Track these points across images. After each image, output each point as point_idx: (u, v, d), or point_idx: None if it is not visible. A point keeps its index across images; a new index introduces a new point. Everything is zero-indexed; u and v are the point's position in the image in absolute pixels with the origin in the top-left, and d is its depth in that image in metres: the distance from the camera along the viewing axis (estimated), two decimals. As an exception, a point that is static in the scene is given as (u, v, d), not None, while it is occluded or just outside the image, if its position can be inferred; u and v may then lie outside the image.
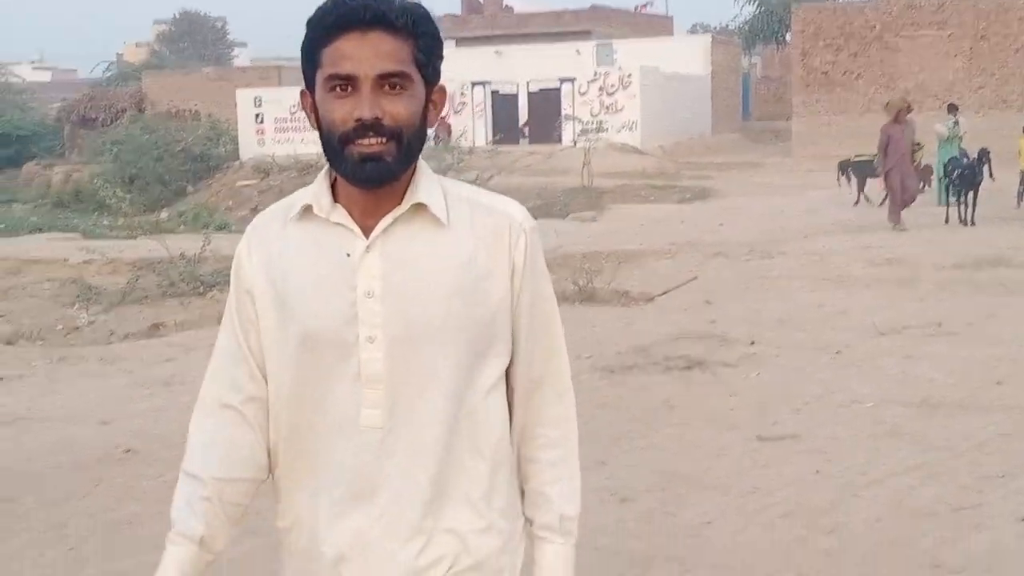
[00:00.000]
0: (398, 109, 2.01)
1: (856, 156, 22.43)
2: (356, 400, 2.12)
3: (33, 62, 78.05)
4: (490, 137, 37.33)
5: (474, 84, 40.91)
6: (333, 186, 2.11)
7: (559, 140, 37.61)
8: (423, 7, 2.05)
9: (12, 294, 15.49)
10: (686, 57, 44.04)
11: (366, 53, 1.99)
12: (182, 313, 13.10)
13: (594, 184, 28.54)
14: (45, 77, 70.54)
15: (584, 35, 47.32)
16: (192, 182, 34.66)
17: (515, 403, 2.26)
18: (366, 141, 1.99)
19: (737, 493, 5.91)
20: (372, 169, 2.01)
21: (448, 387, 2.13)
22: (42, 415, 8.17)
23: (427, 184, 2.10)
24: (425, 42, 2.05)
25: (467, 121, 39.37)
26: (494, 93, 41.26)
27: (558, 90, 40.24)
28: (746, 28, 54.45)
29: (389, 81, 2.00)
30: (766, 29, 53.38)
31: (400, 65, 2.01)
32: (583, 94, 39.71)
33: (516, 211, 2.19)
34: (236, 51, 69.61)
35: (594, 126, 34.23)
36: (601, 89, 39.53)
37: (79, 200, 31.70)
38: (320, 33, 2.03)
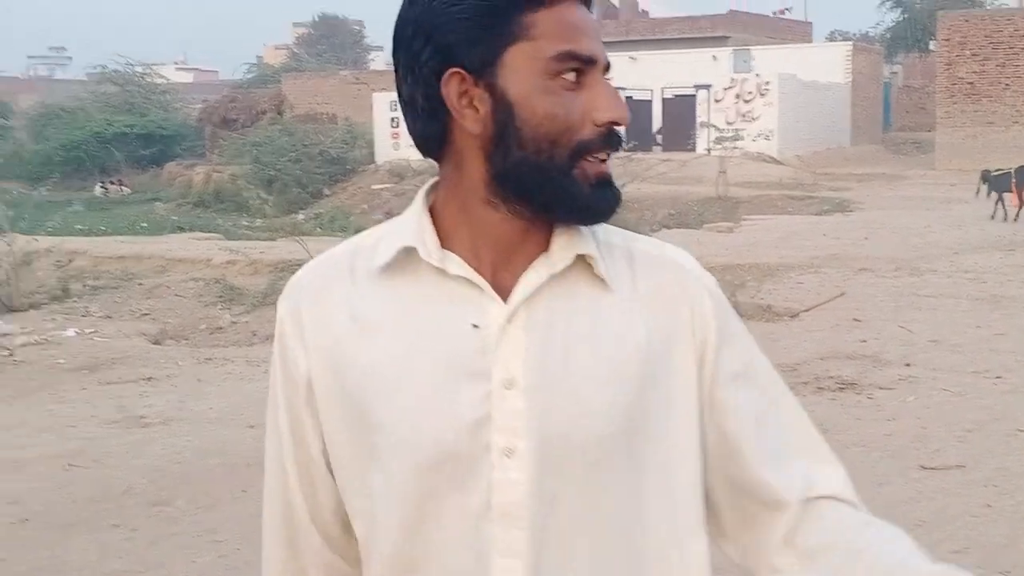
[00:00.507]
0: (624, 113, 1.39)
1: (996, 170, 22.04)
2: (483, 545, 1.39)
3: (176, 63, 79.86)
4: (624, 144, 37.40)
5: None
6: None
7: (693, 148, 36.80)
8: None
9: (157, 292, 15.74)
10: (825, 65, 43.15)
11: (595, 31, 1.38)
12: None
13: (729, 194, 28.09)
14: (188, 78, 72.21)
15: (721, 41, 46.85)
16: (328, 185, 35.15)
17: (737, 526, 1.54)
18: (602, 155, 1.38)
19: (903, 526, 5.87)
20: (612, 199, 1.40)
21: (624, 524, 1.45)
22: (191, 417, 8.35)
23: (579, 228, 1.42)
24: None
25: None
26: (628, 99, 40.91)
27: (693, 97, 39.87)
28: (888, 35, 53.48)
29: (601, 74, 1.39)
30: (909, 37, 52.22)
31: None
32: (719, 101, 39.28)
33: (688, 261, 1.54)
34: (373, 55, 70.30)
35: (730, 134, 33.72)
36: (738, 96, 39.08)
37: (219, 200, 32.41)
38: None
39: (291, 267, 15.00)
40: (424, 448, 1.36)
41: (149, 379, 9.88)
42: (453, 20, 1.34)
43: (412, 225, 1.41)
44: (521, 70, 1.33)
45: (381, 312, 1.40)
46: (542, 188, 1.35)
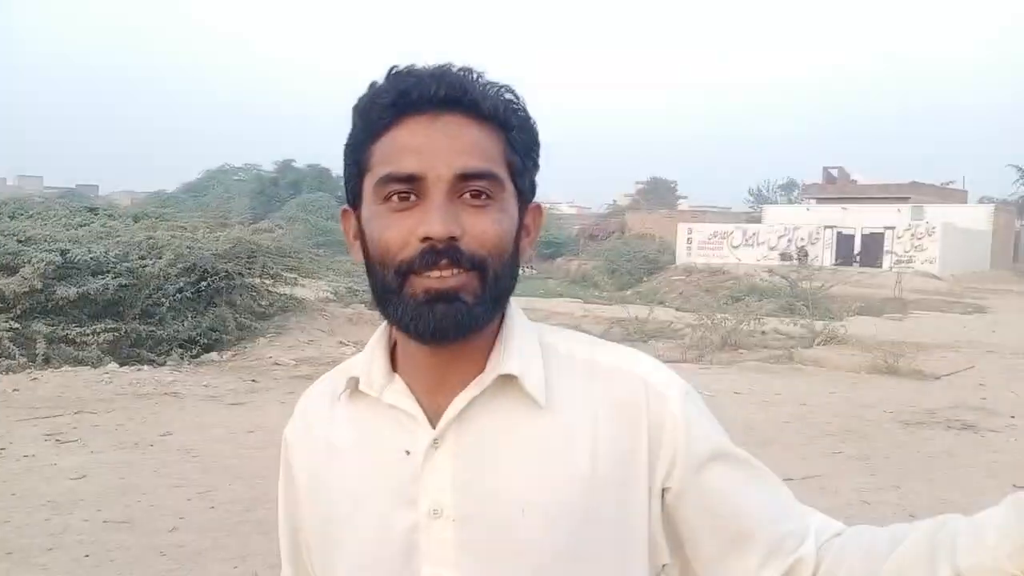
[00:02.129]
0: (484, 226, 0.82)
1: None
2: None
3: (568, 201, 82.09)
4: (833, 261, 35.96)
5: (826, 227, 38.87)
6: (393, 350, 0.92)
7: (880, 265, 35.02)
8: (514, 91, 0.87)
9: None
10: (975, 218, 39.53)
11: (439, 144, 0.82)
12: (633, 351, 13.32)
13: (902, 296, 26.29)
14: (573, 211, 74.03)
15: (904, 200, 43.46)
16: (647, 275, 35.05)
17: None
18: (436, 273, 0.81)
19: None
20: (444, 314, 0.82)
21: None
22: None
23: (521, 343, 0.89)
24: (521, 138, 0.87)
25: (820, 250, 37.68)
26: (838, 233, 38.91)
27: (882, 233, 37.33)
28: (1021, 200, 48.65)
29: (471, 187, 0.82)
30: (1036, 202, 47.37)
31: (488, 163, 0.83)
32: (899, 238, 36.60)
33: (651, 369, 0.91)
34: (680, 200, 69.51)
35: (906, 258, 32.41)
36: (912, 235, 36.25)
37: (584, 281, 32.83)
38: (371, 121, 0.85)
39: (619, 321, 15.16)
40: (367, 571, 0.89)
41: None
42: (344, 161, 0.89)
43: (366, 355, 0.93)
44: (367, 199, 0.85)
45: (345, 436, 0.92)
46: (386, 309, 0.85)
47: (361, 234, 0.87)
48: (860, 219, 38.74)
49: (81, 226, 12.24)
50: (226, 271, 11.37)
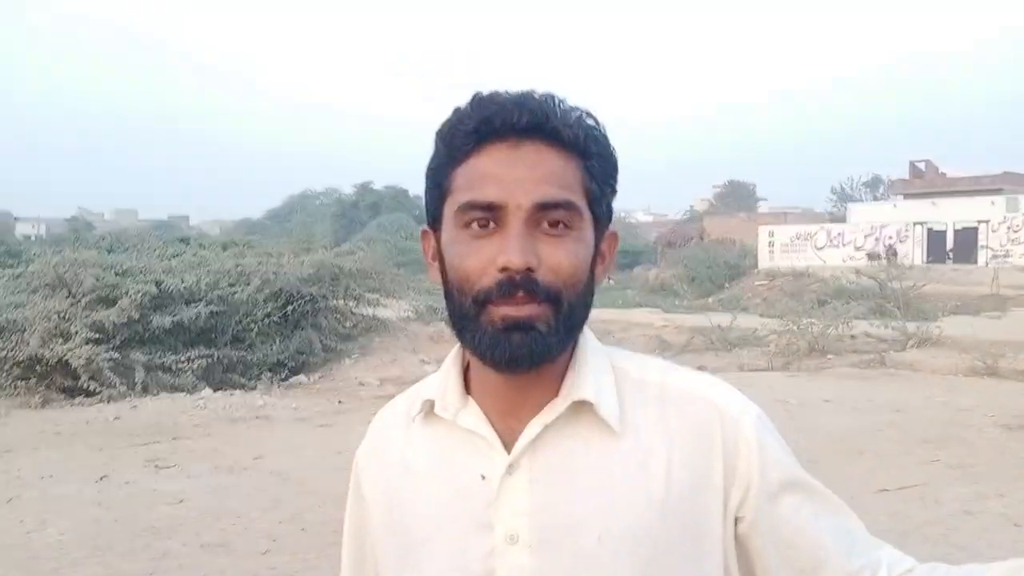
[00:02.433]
0: (560, 257, 0.83)
1: None
2: None
3: (643, 209, 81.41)
4: (925, 259, 34.60)
5: (915, 223, 37.46)
6: (466, 373, 0.92)
7: (975, 262, 33.47)
8: (595, 116, 0.88)
9: (624, 341, 15.50)
10: (1074, 206, 37.49)
11: (519, 173, 0.82)
12: (716, 361, 12.95)
13: (1000, 292, 25.05)
14: (649, 218, 73.36)
15: (997, 191, 41.57)
16: (728, 281, 34.43)
17: None
18: (513, 303, 0.82)
19: None
20: (520, 343, 0.82)
21: None
22: None
23: (594, 368, 0.88)
24: (600, 166, 0.87)
25: (909, 248, 36.32)
26: (929, 230, 37.44)
27: (976, 228, 35.68)
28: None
29: (550, 216, 0.82)
30: None
31: (567, 193, 0.83)
32: (995, 231, 34.87)
33: (726, 396, 0.91)
34: (760, 203, 68.08)
35: (1002, 253, 30.85)
36: (1008, 228, 34.52)
37: (663, 289, 32.46)
38: (453, 146, 0.85)
39: (700, 330, 14.86)
40: None
41: None
42: (426, 184, 0.90)
43: (440, 377, 0.93)
44: (447, 223, 0.86)
45: (423, 459, 0.92)
46: (463, 335, 0.85)
47: (440, 256, 0.88)
48: (951, 214, 37.15)
49: (174, 256, 12.77)
50: (311, 294, 11.67)
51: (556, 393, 0.87)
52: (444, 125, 0.87)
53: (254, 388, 10.01)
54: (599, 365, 0.89)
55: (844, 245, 38.30)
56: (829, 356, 12.67)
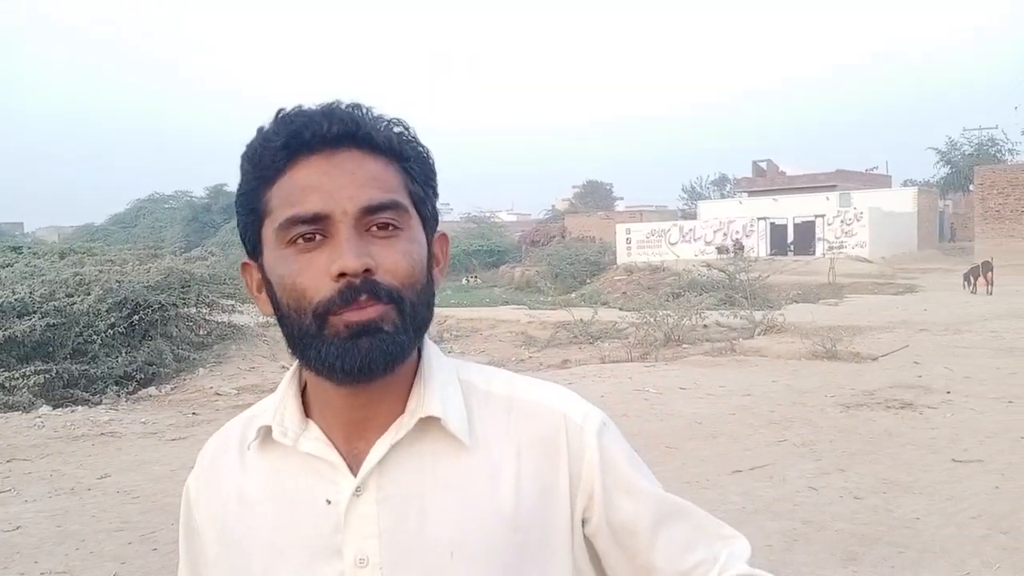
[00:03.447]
0: (395, 258, 0.80)
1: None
2: None
3: (507, 209, 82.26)
4: (768, 251, 36.79)
5: (759, 219, 39.72)
6: (304, 394, 0.88)
7: (814, 253, 35.90)
8: (404, 122, 0.86)
9: (491, 338, 16.13)
10: (900, 201, 40.70)
11: (339, 180, 0.79)
12: (580, 354, 13.29)
13: (836, 281, 26.97)
14: (513, 218, 74.17)
15: (831, 187, 44.75)
16: (589, 277, 35.31)
17: None
18: (356, 307, 0.78)
19: (938, 499, 5.33)
20: (370, 348, 0.78)
21: None
22: None
23: (440, 382, 0.86)
24: (419, 168, 0.85)
25: (755, 241, 38.43)
26: (771, 224, 39.77)
27: (813, 222, 38.24)
28: (941, 182, 50.50)
29: (378, 219, 0.80)
30: (955, 182, 49.37)
31: (390, 193, 0.81)
32: (830, 224, 37.46)
33: (571, 404, 0.90)
34: (617, 202, 70.16)
35: (837, 244, 33.38)
36: (842, 221, 37.19)
37: (528, 287, 32.93)
38: (263, 165, 0.81)
39: (564, 325, 15.19)
40: None
41: None
42: (237, 213, 0.85)
43: (276, 402, 0.88)
44: (268, 245, 0.81)
45: (259, 487, 0.87)
46: (305, 354, 0.80)
47: (267, 283, 0.84)
48: (791, 209, 39.68)
49: (4, 267, 11.78)
50: (160, 303, 11.07)
51: (403, 410, 0.85)
52: (249, 147, 0.83)
53: (99, 403, 9.37)
54: (445, 379, 0.87)
55: (695, 240, 40.13)
56: (684, 346, 13.21)
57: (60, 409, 8.90)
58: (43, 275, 10.93)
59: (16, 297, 9.87)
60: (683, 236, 40.79)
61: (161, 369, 10.69)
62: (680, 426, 7.43)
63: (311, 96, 0.85)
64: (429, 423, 0.84)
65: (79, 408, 8.99)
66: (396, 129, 0.85)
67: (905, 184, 53.05)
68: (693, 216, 46.83)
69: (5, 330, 9.37)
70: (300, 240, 0.79)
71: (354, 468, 0.84)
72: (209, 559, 0.91)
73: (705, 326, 14.48)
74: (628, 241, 41.16)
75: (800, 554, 4.46)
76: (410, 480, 0.84)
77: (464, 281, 41.00)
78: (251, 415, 0.93)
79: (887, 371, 10.11)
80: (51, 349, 9.96)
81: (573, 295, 27.22)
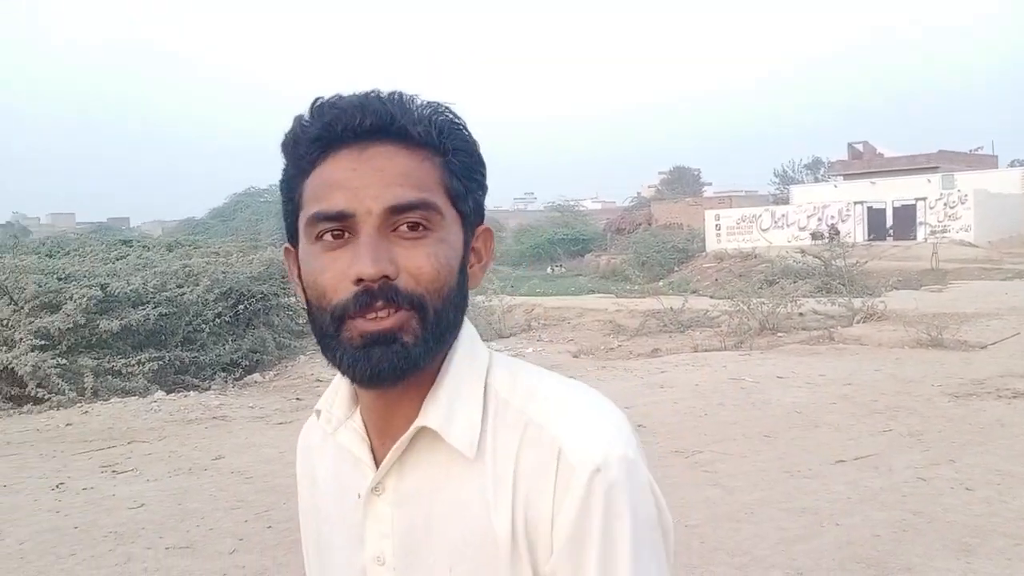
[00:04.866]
0: (419, 261, 0.77)
1: None
2: None
3: (592, 197, 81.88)
4: (866, 237, 35.57)
5: (856, 203, 38.40)
6: None
7: (914, 238, 34.54)
8: (452, 111, 0.81)
9: (578, 327, 16.04)
10: (1006, 182, 38.54)
11: (367, 178, 0.77)
12: (670, 343, 13.20)
13: (939, 267, 25.87)
14: (597, 206, 73.79)
15: (933, 169, 42.85)
16: (677, 264, 34.90)
17: None
18: (372, 314, 0.76)
19: None
20: (381, 358, 0.76)
21: None
22: None
23: (454, 388, 0.82)
24: (461, 161, 0.81)
25: (851, 226, 37.18)
26: (869, 208, 38.38)
27: (914, 205, 36.75)
28: (1052, 160, 47.63)
29: (406, 219, 0.77)
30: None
31: (422, 192, 0.78)
32: (932, 208, 35.98)
33: (577, 438, 0.78)
34: (705, 188, 68.96)
35: (940, 228, 32.03)
36: (945, 204, 35.65)
37: (614, 275, 32.76)
38: (298, 157, 0.80)
39: (653, 313, 15.05)
40: None
41: (571, 377, 9.86)
42: (281, 199, 0.85)
43: (332, 386, 0.90)
44: (302, 238, 0.80)
45: (326, 464, 0.91)
46: (325, 353, 0.80)
47: (300, 273, 0.82)
48: (890, 192, 38.22)
49: (118, 259, 12.44)
50: (262, 293, 11.50)
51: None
52: (287, 136, 0.81)
53: (208, 389, 9.84)
54: (463, 383, 0.82)
55: (788, 226, 39.08)
56: (779, 334, 12.94)
57: (173, 394, 9.38)
58: (155, 267, 11.49)
59: (131, 288, 10.40)
60: (775, 222, 39.78)
61: (264, 356, 11.12)
62: (779, 415, 7.31)
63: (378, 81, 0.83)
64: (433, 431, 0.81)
65: (191, 393, 9.46)
66: (440, 119, 0.80)
67: (1012, 165, 50.44)
68: (785, 201, 45.57)
69: (122, 319, 9.89)
70: (327, 236, 0.78)
71: (380, 462, 0.84)
72: (302, 517, 0.97)
73: (801, 314, 14.14)
74: (717, 228, 40.39)
75: (911, 545, 4.35)
76: (422, 485, 0.82)
77: (549, 270, 41.08)
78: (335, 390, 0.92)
79: (997, 360, 9.70)
80: (163, 337, 10.47)
81: (661, 283, 26.96)
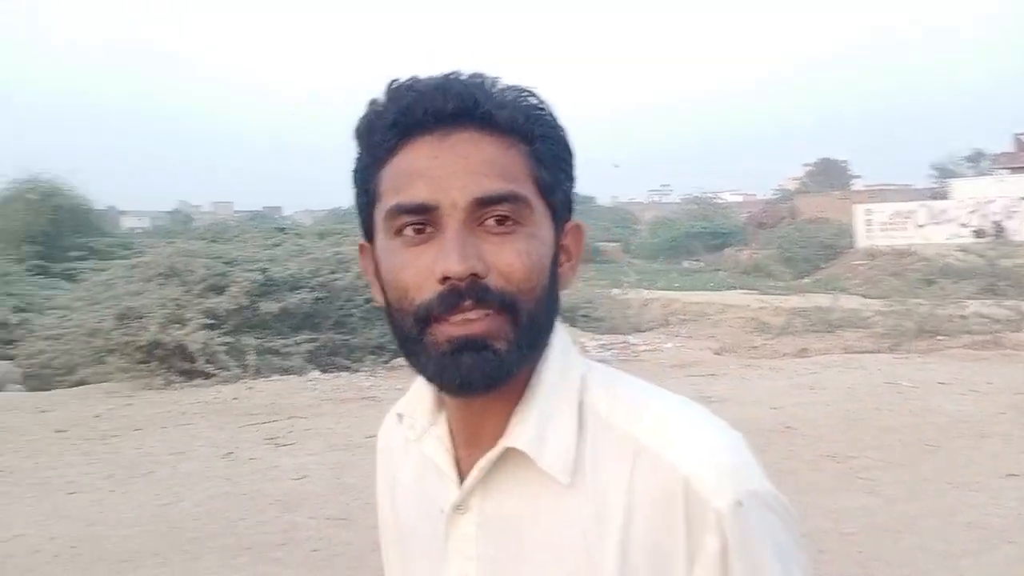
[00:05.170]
0: (510, 258, 0.71)
1: None
2: None
3: (731, 191, 79.72)
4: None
5: (1022, 198, 35.58)
6: None
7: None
8: (537, 94, 0.75)
9: (719, 324, 15.74)
10: None
11: (451, 166, 0.71)
12: (819, 343, 12.66)
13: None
14: (738, 199, 71.79)
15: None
16: (823, 261, 33.45)
17: None
18: (460, 316, 0.70)
19: None
20: (472, 366, 0.70)
21: None
22: (737, 399, 8.10)
23: (547, 404, 0.75)
24: (548, 150, 0.75)
25: (1019, 224, 34.45)
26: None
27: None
28: None
29: (493, 212, 0.71)
30: None
31: (510, 183, 0.71)
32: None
33: (701, 462, 0.70)
34: (854, 181, 65.70)
35: None
36: None
37: (756, 271, 31.86)
38: (373, 144, 0.74)
39: (799, 311, 14.50)
40: None
41: (712, 375, 9.65)
42: (354, 191, 0.78)
43: (414, 389, 0.83)
44: (379, 233, 0.74)
45: (409, 470, 0.84)
46: (408, 359, 0.73)
47: (378, 272, 0.76)
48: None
49: (275, 246, 13.19)
50: (409, 280, 11.89)
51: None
52: (360, 121, 0.75)
53: (358, 370, 10.30)
54: (556, 398, 0.75)
55: (948, 222, 36.62)
56: (940, 337, 12.17)
57: (328, 374, 9.88)
58: (309, 253, 12.12)
59: (288, 273, 11.03)
60: (933, 218, 37.32)
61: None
62: (941, 423, 6.90)
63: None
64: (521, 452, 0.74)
65: (343, 374, 9.93)
66: (525, 103, 0.74)
67: None
68: (944, 196, 42.74)
69: (280, 302, 10.50)
70: (408, 230, 0.71)
71: (465, 476, 0.77)
72: (382, 527, 0.91)
73: (964, 317, 13.24)
74: (868, 223, 38.28)
75: (1098, 570, 4.03)
76: (511, 509, 0.75)
77: (686, 264, 40.35)
78: (415, 392, 0.85)
79: None
80: (317, 320, 11.03)
81: (807, 280, 25.97)
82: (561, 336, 0.77)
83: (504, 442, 0.74)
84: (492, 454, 0.74)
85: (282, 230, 17.91)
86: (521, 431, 0.73)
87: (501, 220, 0.70)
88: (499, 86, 0.74)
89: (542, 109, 0.75)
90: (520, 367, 0.72)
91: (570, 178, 0.77)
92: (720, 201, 57.80)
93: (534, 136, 0.73)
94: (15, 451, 6.73)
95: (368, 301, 11.39)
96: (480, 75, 0.73)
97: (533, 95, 0.75)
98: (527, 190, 0.72)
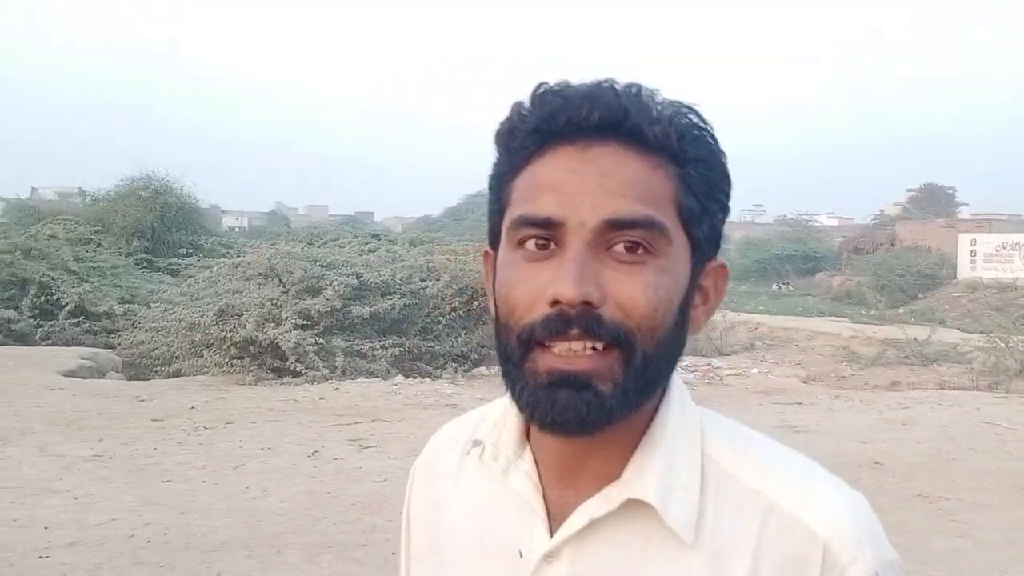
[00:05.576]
0: (633, 290, 0.63)
1: None
2: None
3: (827, 213, 77.45)
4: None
5: None
6: None
7: None
8: (698, 112, 0.68)
9: (808, 350, 15.39)
10: None
11: (586, 183, 0.64)
12: (912, 376, 12.25)
13: None
14: (834, 222, 69.71)
15: None
16: (921, 291, 32.15)
17: None
18: (565, 345, 0.63)
19: None
20: (567, 405, 0.63)
21: None
22: (824, 431, 7.90)
23: (672, 452, 0.68)
24: (701, 175, 0.67)
25: None
26: None
27: None
28: None
29: (624, 237, 0.64)
30: None
31: (648, 208, 0.64)
32: None
33: (840, 526, 0.66)
34: (960, 209, 62.93)
35: None
36: None
37: (849, 298, 30.86)
38: (512, 150, 0.69)
39: (893, 342, 14.00)
40: None
41: (799, 404, 9.41)
42: (489, 197, 0.72)
43: (498, 414, 0.77)
44: (503, 242, 0.69)
45: (467, 502, 0.76)
46: (506, 381, 0.68)
47: (495, 284, 0.70)
48: None
49: (370, 252, 13.54)
50: (494, 291, 12.02)
51: (621, 470, 0.68)
52: (502, 125, 0.70)
53: (440, 377, 10.47)
54: (681, 449, 0.69)
55: (1060, 256, 34.66)
56: (1045, 378, 11.57)
57: (410, 380, 10.07)
58: (402, 260, 12.40)
59: (381, 279, 11.30)
60: (1044, 251, 35.44)
61: (491, 352, 11.63)
62: (1044, 470, 6.57)
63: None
64: (642, 507, 0.67)
65: (425, 380, 10.11)
66: (682, 121, 0.67)
67: None
68: (1057, 228, 40.50)
69: (371, 306, 10.77)
70: (530, 244, 0.66)
71: (556, 520, 0.70)
72: (415, 553, 0.82)
73: (1072, 357, 12.54)
74: (972, 253, 36.58)
75: None
76: (612, 565, 0.68)
77: (775, 287, 39.39)
78: (482, 416, 0.81)
79: None
80: (404, 326, 11.26)
81: (902, 310, 25.03)
82: (679, 382, 0.72)
83: (626, 492, 0.67)
84: (611, 503, 0.68)
85: (376, 236, 18.34)
86: (646, 482, 0.67)
87: (632, 248, 0.64)
88: (656, 99, 0.67)
89: (702, 129, 0.68)
90: (624, 413, 0.65)
91: (723, 209, 0.70)
92: (815, 224, 56.23)
93: (687, 158, 0.66)
94: (115, 437, 7.09)
95: (454, 310, 11.58)
96: (637, 85, 0.67)
97: (694, 112, 0.68)
98: (667, 218, 0.65)
